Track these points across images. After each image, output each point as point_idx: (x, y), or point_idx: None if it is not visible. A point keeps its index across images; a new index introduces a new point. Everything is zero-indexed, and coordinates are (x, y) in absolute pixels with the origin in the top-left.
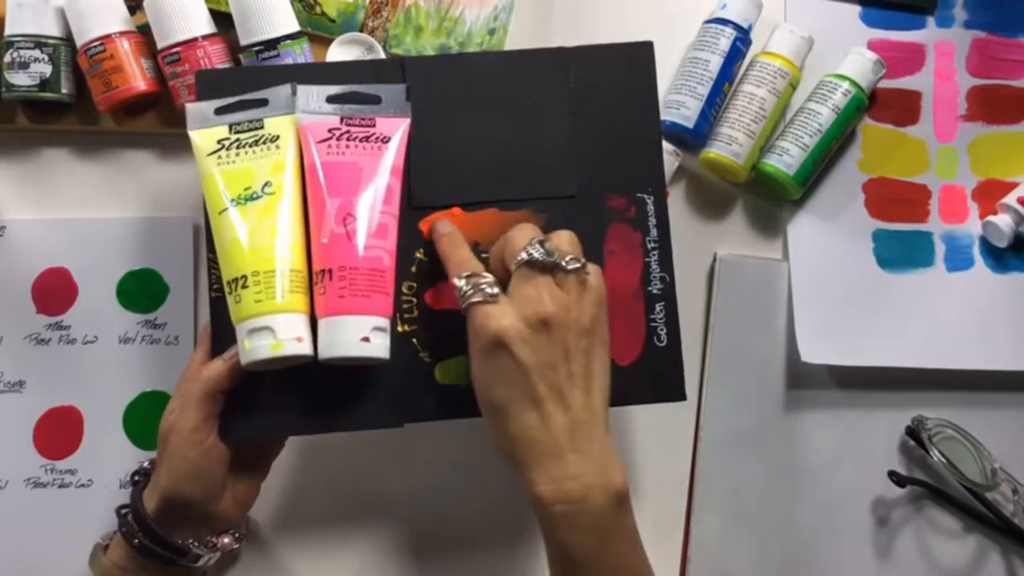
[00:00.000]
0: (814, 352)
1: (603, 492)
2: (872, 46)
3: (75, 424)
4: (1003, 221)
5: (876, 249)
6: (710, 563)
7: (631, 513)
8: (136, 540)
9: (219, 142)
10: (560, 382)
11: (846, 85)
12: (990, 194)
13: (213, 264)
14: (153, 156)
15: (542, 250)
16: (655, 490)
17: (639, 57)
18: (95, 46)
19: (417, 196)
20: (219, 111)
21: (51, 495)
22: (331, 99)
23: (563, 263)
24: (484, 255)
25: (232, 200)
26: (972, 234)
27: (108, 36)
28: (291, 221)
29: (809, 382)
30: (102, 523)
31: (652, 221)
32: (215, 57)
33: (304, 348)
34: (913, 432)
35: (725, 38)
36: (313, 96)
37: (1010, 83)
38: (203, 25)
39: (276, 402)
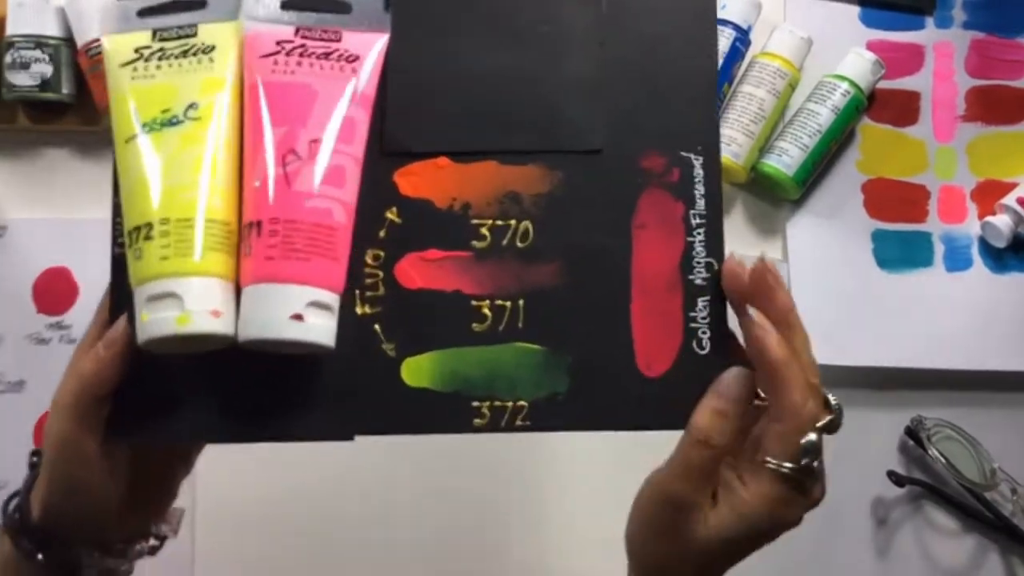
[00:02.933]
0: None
1: None
2: (871, 46)
3: None
4: (1002, 221)
5: (875, 249)
6: None
7: None
8: (25, 543)
9: (137, 51)
10: None
11: (845, 85)
12: (989, 194)
13: (117, 211)
14: None
15: (813, 460)
16: None
17: None
18: (96, 46)
19: (392, 138)
20: (143, 13)
21: None
22: (287, 4)
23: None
24: (474, 221)
25: (143, 125)
26: (971, 234)
27: None
28: (223, 157)
29: None
30: None
31: (700, 190)
32: None
33: (221, 325)
34: (912, 432)
35: (725, 38)
36: None
37: (1009, 83)
38: None
39: (184, 398)
